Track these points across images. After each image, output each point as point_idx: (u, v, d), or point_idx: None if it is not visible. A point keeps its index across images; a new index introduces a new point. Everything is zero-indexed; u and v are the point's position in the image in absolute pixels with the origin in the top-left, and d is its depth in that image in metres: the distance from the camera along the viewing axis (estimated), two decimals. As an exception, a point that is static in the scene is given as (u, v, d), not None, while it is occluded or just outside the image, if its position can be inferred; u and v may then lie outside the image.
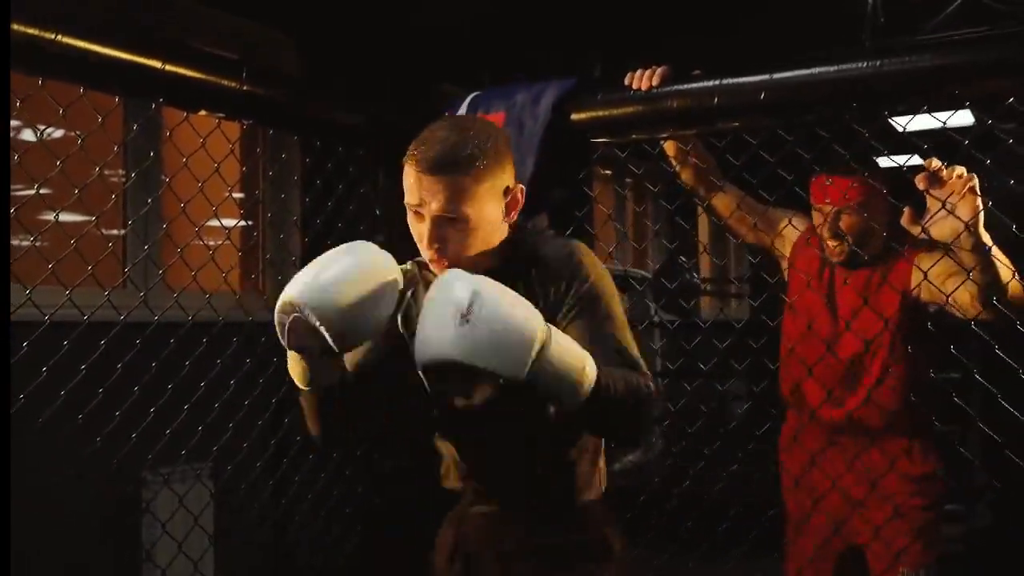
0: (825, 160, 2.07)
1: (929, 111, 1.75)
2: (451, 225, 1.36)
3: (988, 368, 1.91)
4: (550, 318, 1.33)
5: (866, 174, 2.10)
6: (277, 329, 1.31)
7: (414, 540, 1.83)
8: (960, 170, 1.69)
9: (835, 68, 1.77)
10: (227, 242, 2.24)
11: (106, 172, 3.03)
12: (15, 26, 1.56)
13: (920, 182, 1.68)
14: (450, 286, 1.23)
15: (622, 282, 4.75)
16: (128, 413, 2.03)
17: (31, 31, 1.60)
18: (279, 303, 1.29)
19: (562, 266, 1.42)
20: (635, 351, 1.39)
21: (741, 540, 2.30)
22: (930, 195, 1.71)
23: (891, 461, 2.09)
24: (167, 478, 2.58)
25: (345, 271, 1.31)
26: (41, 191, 1.87)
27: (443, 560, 1.56)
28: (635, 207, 6.46)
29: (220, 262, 2.14)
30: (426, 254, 1.41)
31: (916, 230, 1.75)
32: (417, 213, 1.38)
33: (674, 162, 2.21)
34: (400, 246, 1.49)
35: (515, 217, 1.46)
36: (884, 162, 2.46)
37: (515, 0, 3.60)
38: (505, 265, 1.43)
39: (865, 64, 1.74)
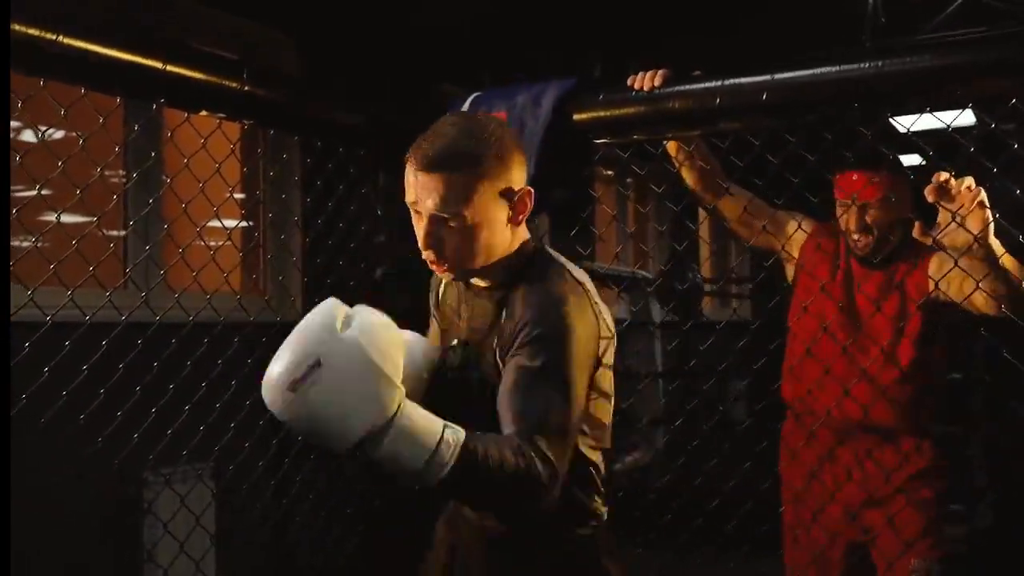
0: (828, 161, 2.08)
1: (931, 111, 1.75)
2: (447, 225, 1.33)
3: (992, 370, 1.92)
4: (505, 351, 1.32)
5: (891, 167, 2.10)
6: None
7: (414, 540, 1.82)
8: (969, 181, 1.68)
9: (836, 69, 1.77)
10: (228, 243, 2.24)
11: (107, 173, 3.03)
12: (15, 26, 1.56)
13: (929, 195, 1.68)
14: (302, 339, 1.17)
15: (630, 283, 4.75)
16: (129, 413, 2.02)
17: (32, 31, 1.59)
18: None
19: (540, 301, 1.34)
20: (557, 418, 1.26)
21: (743, 541, 2.30)
22: (940, 207, 1.71)
23: (904, 456, 2.10)
24: (168, 478, 2.57)
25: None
26: (42, 192, 1.87)
27: (439, 561, 1.56)
28: (639, 207, 6.46)
29: (221, 262, 2.14)
30: (424, 255, 1.38)
31: (928, 241, 1.76)
32: (416, 212, 1.36)
33: (677, 163, 2.21)
34: (400, 246, 1.48)
35: (522, 221, 1.42)
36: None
37: (515, 0, 3.60)
38: (508, 281, 1.40)
39: (866, 64, 1.74)
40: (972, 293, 1.88)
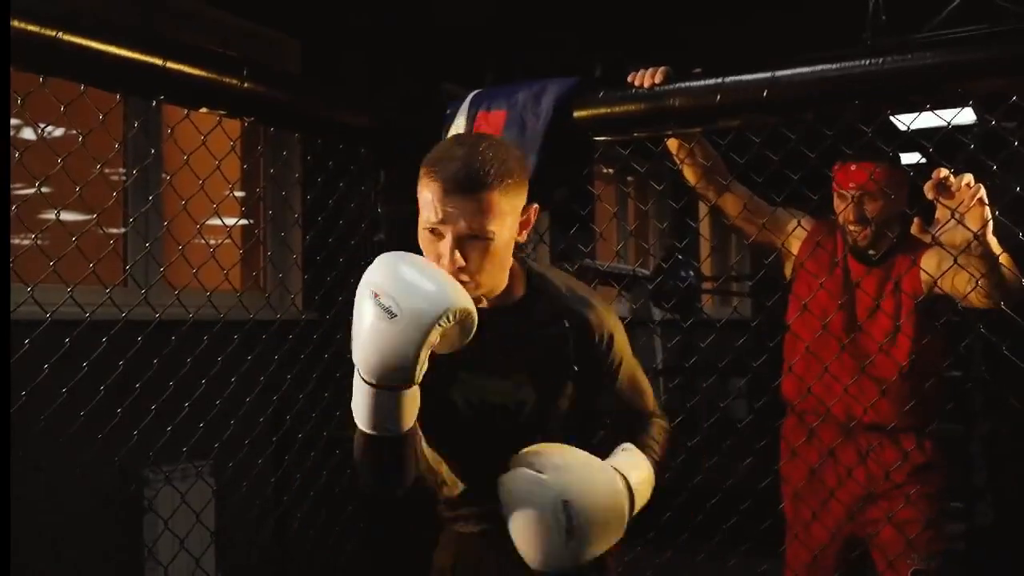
0: (827, 157, 2.08)
1: (931, 109, 1.75)
2: (474, 243, 1.33)
3: (991, 367, 1.92)
4: (584, 367, 1.48)
5: (890, 161, 2.10)
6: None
7: (414, 540, 1.82)
8: (968, 178, 1.68)
9: (837, 66, 1.77)
10: (228, 240, 2.24)
11: (107, 170, 3.03)
12: (15, 24, 1.56)
13: (929, 191, 1.68)
14: (538, 488, 1.34)
15: (630, 281, 4.74)
16: (129, 411, 2.02)
17: (31, 29, 1.59)
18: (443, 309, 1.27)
19: (590, 317, 1.49)
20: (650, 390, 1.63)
21: (743, 538, 2.30)
22: (939, 203, 1.71)
23: (904, 453, 2.11)
24: (168, 476, 2.58)
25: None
26: (42, 189, 1.87)
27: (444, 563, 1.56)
28: (639, 205, 6.46)
29: (221, 260, 2.13)
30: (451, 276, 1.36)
31: (927, 238, 1.76)
32: (434, 232, 1.34)
33: (678, 160, 2.21)
34: (399, 248, 1.48)
35: (525, 237, 1.44)
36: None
37: (516, 1, 3.60)
38: (529, 295, 1.48)
39: (867, 62, 1.74)
40: (970, 292, 1.88)
